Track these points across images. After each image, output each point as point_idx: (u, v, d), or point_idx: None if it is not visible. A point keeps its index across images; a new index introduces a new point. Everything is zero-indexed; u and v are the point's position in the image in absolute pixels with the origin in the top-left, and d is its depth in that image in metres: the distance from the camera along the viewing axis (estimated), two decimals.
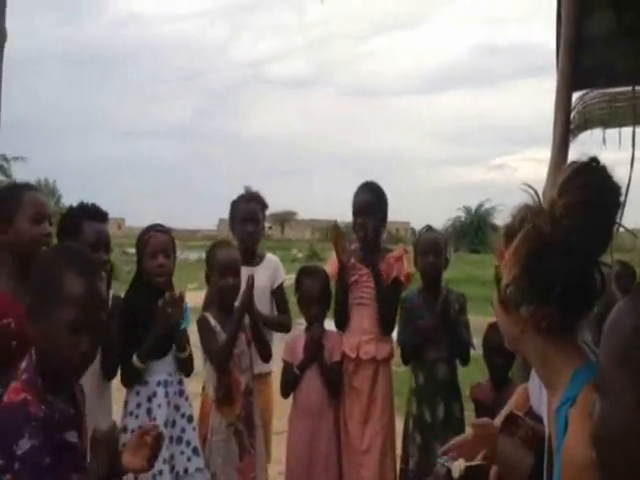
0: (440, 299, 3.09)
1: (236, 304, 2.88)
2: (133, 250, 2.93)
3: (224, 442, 2.81)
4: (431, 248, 3.19)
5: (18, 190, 2.24)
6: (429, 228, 3.38)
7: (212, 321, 2.90)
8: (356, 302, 3.19)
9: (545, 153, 2.62)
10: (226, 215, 3.61)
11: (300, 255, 28.65)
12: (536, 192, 1.24)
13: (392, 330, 3.24)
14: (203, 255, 3.01)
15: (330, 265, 3.28)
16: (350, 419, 3.10)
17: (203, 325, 2.89)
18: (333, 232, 3.18)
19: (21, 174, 19.09)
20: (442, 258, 3.22)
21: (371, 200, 3.21)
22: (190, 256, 24.44)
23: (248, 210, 3.44)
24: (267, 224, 3.75)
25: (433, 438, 3.02)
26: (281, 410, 3.26)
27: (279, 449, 3.19)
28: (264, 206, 3.57)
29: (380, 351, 3.16)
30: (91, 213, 2.56)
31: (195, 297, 2.88)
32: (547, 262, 1.16)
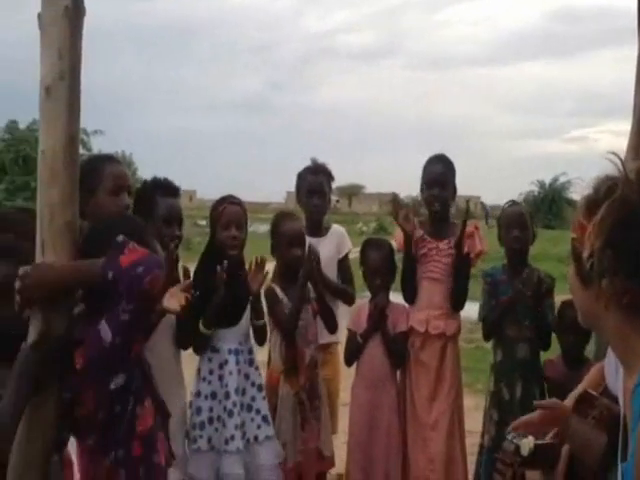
0: (522, 275, 3.03)
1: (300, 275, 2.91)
2: (204, 222, 2.98)
3: (290, 411, 2.88)
4: (516, 222, 3.13)
5: (99, 162, 2.30)
6: (513, 202, 3.32)
7: (279, 292, 2.95)
8: (425, 276, 3.16)
9: (625, 125, 2.47)
10: (294, 188, 3.62)
11: (366, 229, 28.52)
12: (622, 161, 1.18)
13: (462, 307, 3.21)
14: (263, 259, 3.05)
15: (396, 237, 3.26)
16: (417, 393, 3.10)
17: (270, 295, 2.94)
18: (393, 203, 3.15)
19: (100, 148, 19.78)
20: (528, 232, 3.14)
21: (442, 172, 3.16)
22: (260, 228, 24.77)
23: (314, 182, 3.43)
24: (334, 197, 3.75)
25: (510, 416, 2.98)
26: (349, 382, 3.29)
27: (345, 420, 3.23)
28: (330, 178, 3.55)
29: (449, 327, 3.14)
30: (164, 188, 2.61)
31: (267, 269, 2.93)
32: (634, 233, 1.11)
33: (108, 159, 2.36)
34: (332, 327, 3.10)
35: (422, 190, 3.22)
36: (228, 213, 2.77)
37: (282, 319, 2.90)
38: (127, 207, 2.33)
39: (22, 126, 20.11)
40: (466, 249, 3.12)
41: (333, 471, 3.26)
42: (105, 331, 1.58)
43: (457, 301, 3.14)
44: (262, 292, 2.91)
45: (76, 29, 1.69)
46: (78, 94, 1.71)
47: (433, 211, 3.16)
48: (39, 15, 1.69)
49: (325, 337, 3.17)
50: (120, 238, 1.64)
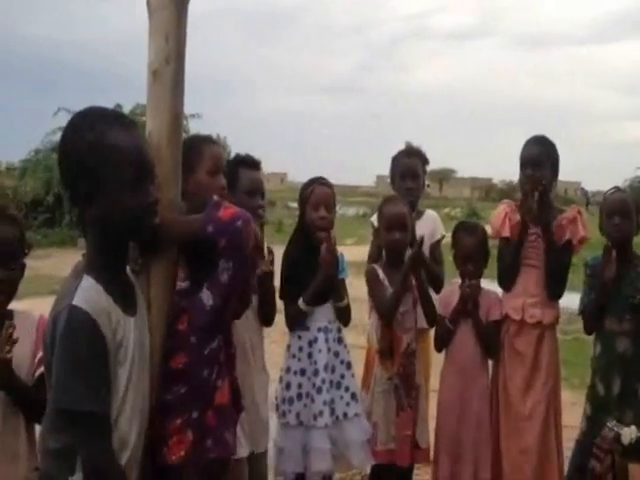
0: (617, 266, 2.86)
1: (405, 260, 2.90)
2: (295, 204, 3.04)
3: (384, 394, 2.89)
4: (618, 209, 2.95)
5: (199, 142, 2.38)
6: (617, 189, 3.14)
7: (380, 274, 2.96)
8: (522, 263, 3.04)
9: None
10: (385, 172, 3.59)
11: (456, 213, 27.88)
12: None
13: (560, 295, 3.07)
14: (361, 211, 3.06)
15: (495, 219, 3.14)
16: (511, 383, 3.01)
17: (372, 276, 2.96)
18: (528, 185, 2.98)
19: (197, 131, 20.44)
20: (631, 221, 2.95)
21: (541, 153, 3.01)
22: (348, 212, 24.83)
23: (408, 165, 3.41)
24: (425, 181, 3.69)
25: (603, 412, 2.85)
26: (438, 369, 3.25)
27: (433, 406, 3.19)
28: (425, 162, 3.51)
29: (546, 315, 3.01)
30: (246, 162, 2.68)
31: (353, 252, 2.95)
32: None
33: (208, 140, 2.42)
34: (432, 317, 3.07)
35: (521, 171, 3.09)
36: (318, 194, 2.79)
37: (382, 302, 2.91)
38: (223, 188, 2.40)
39: (126, 110, 21.13)
40: (568, 235, 2.99)
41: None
42: (207, 296, 1.64)
43: (552, 289, 3.01)
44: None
45: (182, 14, 1.74)
46: (182, 77, 1.77)
47: (529, 193, 3.03)
48: (148, 1, 1.75)
49: (420, 323, 3.12)
50: (216, 197, 1.71)
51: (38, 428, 1.82)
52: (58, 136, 15.84)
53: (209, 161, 2.32)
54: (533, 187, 2.94)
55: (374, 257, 3.22)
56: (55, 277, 9.16)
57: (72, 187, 1.53)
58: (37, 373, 1.91)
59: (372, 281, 2.96)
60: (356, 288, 2.95)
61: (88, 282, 1.46)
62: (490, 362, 3.11)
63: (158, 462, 1.63)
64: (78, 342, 1.39)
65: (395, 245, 2.93)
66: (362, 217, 26.14)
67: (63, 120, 17.45)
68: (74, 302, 1.40)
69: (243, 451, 2.40)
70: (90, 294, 1.44)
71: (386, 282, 2.94)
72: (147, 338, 1.61)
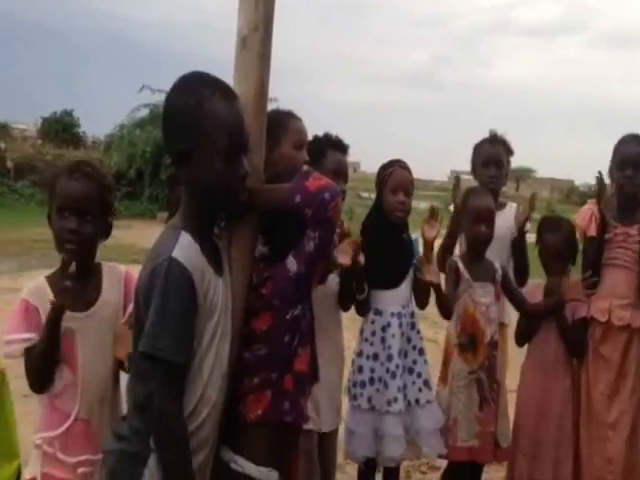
0: None
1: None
2: (367, 194, 3.00)
3: (465, 388, 2.82)
4: None
5: (285, 116, 2.39)
6: None
7: (461, 266, 2.90)
8: (609, 263, 2.89)
9: None
10: (459, 167, 3.51)
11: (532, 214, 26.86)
12: None
13: None
14: (434, 205, 2.98)
15: (580, 219, 3.02)
16: (595, 388, 2.87)
17: (452, 269, 2.90)
18: (598, 182, 2.88)
19: None
20: None
21: (639, 152, 2.85)
22: (421, 205, 24.54)
23: (492, 153, 3.28)
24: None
25: None
26: (514, 369, 3.15)
27: (511, 406, 3.05)
28: (509, 151, 3.37)
29: (636, 318, 2.84)
30: (334, 143, 2.65)
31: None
32: None
33: (292, 114, 2.44)
34: (520, 309, 3.00)
35: (611, 173, 2.94)
36: (396, 177, 2.74)
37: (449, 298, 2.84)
38: (306, 162, 2.40)
39: None
40: None
41: None
42: (292, 263, 1.64)
43: None
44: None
45: None
46: (270, 45, 1.77)
47: (625, 194, 2.88)
48: None
49: (501, 317, 3.06)
50: (305, 167, 1.71)
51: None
52: (142, 112, 16.32)
53: (295, 135, 2.35)
54: (634, 188, 2.82)
55: (443, 249, 3.11)
56: (135, 247, 9.55)
57: (170, 145, 1.59)
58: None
59: (449, 272, 2.89)
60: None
61: (186, 238, 1.52)
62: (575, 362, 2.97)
63: (235, 420, 1.65)
64: (174, 294, 1.45)
65: (481, 239, 2.86)
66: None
67: (147, 97, 18.17)
68: (174, 255, 1.46)
69: (314, 424, 2.39)
70: (188, 250, 1.50)
71: (466, 274, 2.87)
72: (230, 299, 1.64)
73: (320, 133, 2.71)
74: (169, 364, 1.44)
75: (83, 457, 1.90)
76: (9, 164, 17.96)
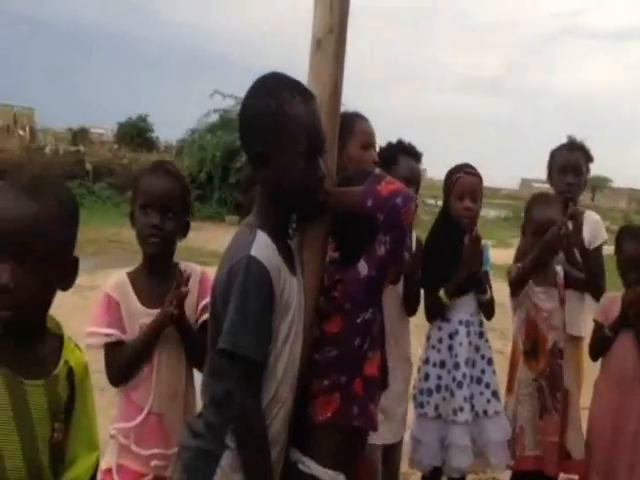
0: None
1: None
2: (432, 201, 2.96)
3: (528, 396, 2.75)
4: None
5: (351, 117, 2.38)
6: None
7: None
8: None
9: None
10: (530, 175, 3.43)
11: (609, 225, 25.84)
12: None
13: None
14: (503, 214, 2.91)
15: None
16: None
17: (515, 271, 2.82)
18: None
19: None
20: None
21: None
22: (489, 213, 24.10)
23: (570, 159, 3.17)
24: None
25: None
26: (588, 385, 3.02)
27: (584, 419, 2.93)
28: (588, 158, 3.24)
29: None
30: (408, 150, 2.62)
31: (492, 255, 2.83)
32: None
33: (358, 115, 2.43)
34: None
35: None
36: (463, 183, 2.69)
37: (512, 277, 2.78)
38: (375, 162, 2.39)
39: None
40: None
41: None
42: (363, 266, 1.64)
43: None
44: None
45: None
46: (344, 47, 1.78)
47: None
48: None
49: (570, 328, 2.96)
50: (377, 170, 1.69)
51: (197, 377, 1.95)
52: (213, 117, 16.64)
53: (361, 136, 2.34)
54: None
55: (521, 256, 3.02)
56: (204, 249, 9.76)
57: (248, 146, 1.61)
58: (200, 321, 2.01)
59: (514, 280, 2.81)
60: (496, 291, 2.82)
61: (263, 237, 1.54)
62: None
63: (303, 421, 1.66)
64: (253, 292, 1.46)
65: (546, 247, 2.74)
66: (504, 220, 25.16)
67: (218, 103, 18.60)
68: (252, 253, 1.48)
69: (378, 439, 2.32)
70: (265, 249, 1.52)
71: (531, 281, 2.79)
72: (303, 299, 1.65)
73: (393, 140, 2.69)
74: (249, 361, 1.45)
75: (156, 450, 1.95)
76: (88, 167, 18.77)
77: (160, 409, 1.96)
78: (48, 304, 1.35)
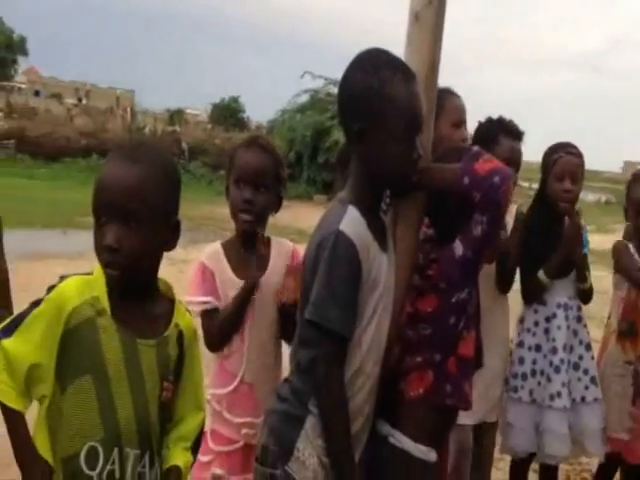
0: None
1: None
2: (526, 184, 2.82)
3: (618, 377, 2.66)
4: None
5: (443, 93, 2.32)
6: None
7: (631, 248, 2.74)
8: None
9: None
10: (633, 158, 3.22)
11: None
12: None
13: None
14: (604, 198, 2.78)
15: None
16: None
17: (621, 248, 2.76)
18: None
19: None
20: None
21: None
22: (588, 197, 22.89)
23: None
24: None
25: None
26: None
27: None
28: None
29: None
30: (509, 129, 2.53)
31: (591, 241, 2.72)
32: None
33: (449, 91, 2.36)
34: None
35: None
36: (563, 163, 2.57)
37: (632, 269, 2.68)
38: (465, 140, 2.33)
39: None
40: None
41: None
42: (458, 246, 1.61)
43: None
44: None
45: None
46: (443, 20, 1.73)
47: None
48: None
49: None
50: (475, 148, 1.66)
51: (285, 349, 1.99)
52: (303, 98, 16.81)
53: (453, 113, 2.29)
54: None
55: (627, 238, 2.91)
56: (291, 227, 9.91)
57: (346, 122, 1.61)
58: None
59: (621, 252, 2.73)
60: (595, 279, 2.71)
61: (353, 213, 1.54)
62: None
63: (394, 397, 1.66)
64: (341, 266, 1.47)
65: None
66: (605, 204, 23.78)
67: (308, 83, 18.71)
68: (341, 228, 1.49)
69: (469, 419, 2.30)
70: (355, 225, 1.52)
71: (636, 255, 2.69)
72: (394, 276, 1.65)
73: (494, 116, 2.59)
74: (335, 335, 1.47)
75: (247, 419, 2.00)
76: (184, 146, 19.47)
77: (251, 379, 2.02)
78: (155, 265, 1.41)
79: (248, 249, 2.04)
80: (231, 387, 2.02)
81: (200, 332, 1.71)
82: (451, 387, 1.65)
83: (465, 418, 2.09)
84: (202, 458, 1.96)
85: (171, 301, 1.46)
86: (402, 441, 1.63)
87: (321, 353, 1.49)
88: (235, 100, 33.05)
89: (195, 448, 1.55)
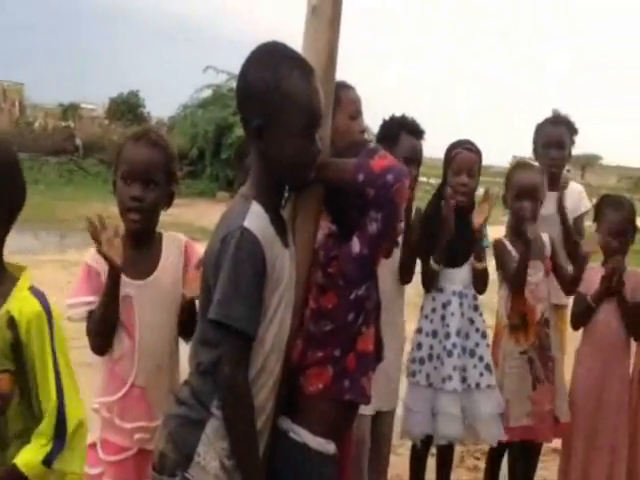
0: None
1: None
2: (425, 179, 2.95)
3: (517, 369, 2.78)
4: None
5: (337, 87, 2.35)
6: None
7: (508, 245, 2.86)
8: None
9: None
10: (521, 152, 3.46)
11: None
12: None
13: None
14: (494, 192, 2.93)
15: None
16: None
17: (499, 247, 2.87)
18: None
19: None
20: None
21: None
22: (479, 192, 24.17)
23: (553, 134, 3.23)
24: (566, 166, 3.49)
25: None
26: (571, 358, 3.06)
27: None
28: (573, 131, 3.29)
29: None
30: (410, 127, 2.60)
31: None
32: None
33: (344, 84, 2.39)
34: (568, 287, 2.91)
35: None
36: (460, 159, 2.71)
37: (510, 271, 2.79)
38: (363, 131, 2.37)
39: None
40: None
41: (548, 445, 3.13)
42: (355, 243, 1.62)
43: None
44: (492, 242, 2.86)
45: None
46: (340, 13, 1.74)
47: None
48: None
49: (555, 298, 2.99)
50: (372, 144, 1.67)
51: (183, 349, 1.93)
52: (205, 93, 16.55)
53: (349, 105, 2.33)
54: None
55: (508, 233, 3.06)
56: (194, 225, 9.74)
57: (245, 118, 1.59)
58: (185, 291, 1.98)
59: (499, 252, 2.85)
60: (490, 269, 2.86)
61: (257, 208, 1.53)
62: (634, 348, 2.90)
63: (293, 392, 1.66)
64: (246, 263, 1.45)
65: (522, 215, 2.78)
66: (495, 198, 25.17)
67: (211, 78, 18.39)
68: (245, 224, 1.47)
69: (367, 409, 2.34)
70: (259, 221, 1.51)
71: (514, 252, 2.83)
72: (294, 271, 1.64)
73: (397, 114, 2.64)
74: (240, 333, 1.45)
75: (139, 423, 1.93)
76: (78, 142, 18.59)
77: (143, 382, 1.94)
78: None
79: (138, 248, 1.96)
80: (121, 392, 1.94)
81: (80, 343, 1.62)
82: (349, 382, 1.65)
83: (363, 408, 2.13)
84: (91, 471, 1.89)
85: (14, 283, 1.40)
86: (301, 434, 1.63)
87: (226, 353, 1.46)
88: (134, 94, 31.83)
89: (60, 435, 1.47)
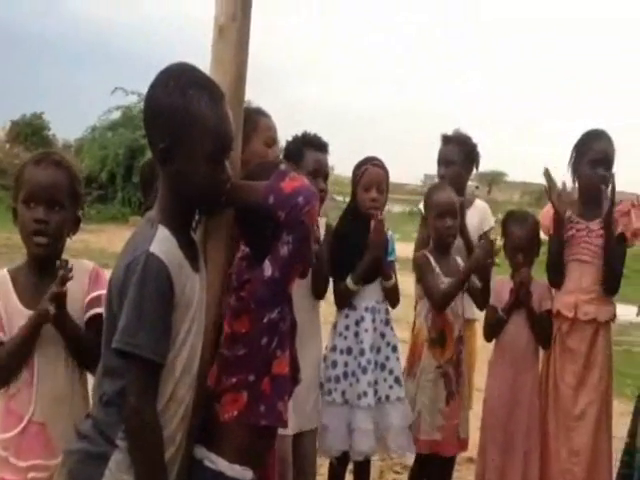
0: None
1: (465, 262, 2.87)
2: (340, 198, 3.03)
3: (432, 383, 2.84)
4: None
5: (254, 113, 2.34)
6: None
7: (432, 261, 2.92)
8: (574, 259, 2.95)
9: None
10: (432, 171, 3.56)
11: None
12: None
13: (617, 290, 2.95)
14: (407, 209, 3.03)
15: (544, 217, 3.06)
16: (561, 380, 2.92)
17: (423, 263, 2.93)
18: (546, 177, 2.92)
19: None
20: None
21: (609, 150, 2.92)
22: (394, 208, 24.90)
23: (442, 152, 3.38)
24: (474, 183, 3.66)
25: None
26: (482, 368, 3.17)
27: (479, 405, 3.09)
28: (465, 148, 3.38)
29: (602, 312, 2.91)
30: (313, 142, 2.64)
31: (398, 248, 2.94)
32: None
33: (261, 111, 2.41)
34: (482, 303, 3.02)
35: (575, 169, 2.98)
36: (369, 175, 2.77)
37: (436, 290, 2.86)
38: (278, 159, 2.38)
39: None
40: (621, 228, 2.88)
41: (463, 454, 3.20)
42: (267, 266, 1.60)
43: (610, 284, 2.90)
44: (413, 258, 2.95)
45: None
46: (248, 35, 1.74)
47: (591, 191, 2.92)
48: None
49: (467, 313, 3.10)
50: (283, 166, 1.67)
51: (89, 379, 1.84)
52: (114, 114, 16.16)
53: (266, 132, 2.33)
54: (606, 185, 2.84)
55: (421, 246, 3.18)
56: (106, 251, 9.40)
57: (152, 141, 1.54)
58: (88, 315, 1.90)
59: (424, 267, 2.92)
60: (402, 283, 2.92)
61: (164, 233, 1.48)
62: (541, 356, 3.03)
63: (208, 419, 1.63)
64: (151, 290, 1.40)
65: (447, 232, 2.89)
66: (408, 215, 25.97)
67: (119, 99, 17.97)
68: (151, 250, 1.42)
69: (287, 430, 2.30)
70: (166, 245, 1.46)
71: (437, 269, 2.90)
72: (205, 295, 1.61)
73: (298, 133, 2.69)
74: (146, 362, 1.40)
75: (36, 461, 1.81)
76: None
77: (43, 417, 1.83)
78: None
79: (42, 276, 1.87)
80: (18, 429, 1.82)
81: None
82: (265, 407, 1.63)
83: (284, 429, 2.11)
84: None
85: None
86: (217, 463, 1.59)
87: (132, 382, 1.41)
88: (38, 117, 30.51)
89: None
